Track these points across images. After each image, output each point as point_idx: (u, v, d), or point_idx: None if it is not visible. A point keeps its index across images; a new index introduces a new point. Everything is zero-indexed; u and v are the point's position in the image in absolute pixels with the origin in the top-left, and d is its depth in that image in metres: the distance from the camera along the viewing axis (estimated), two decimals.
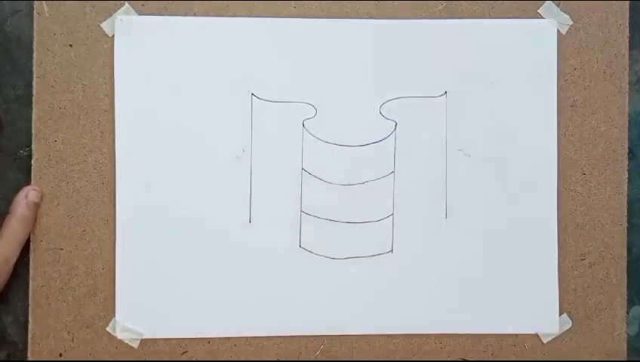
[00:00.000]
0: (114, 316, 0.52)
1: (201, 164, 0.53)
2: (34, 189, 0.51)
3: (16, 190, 0.52)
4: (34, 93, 0.52)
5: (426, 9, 0.54)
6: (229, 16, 0.53)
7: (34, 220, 0.51)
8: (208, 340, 0.53)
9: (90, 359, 0.52)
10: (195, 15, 0.53)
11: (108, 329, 0.52)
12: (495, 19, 0.54)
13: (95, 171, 0.52)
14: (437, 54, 0.54)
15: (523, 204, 0.54)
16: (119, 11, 0.52)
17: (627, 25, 0.55)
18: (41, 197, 0.51)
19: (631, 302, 0.55)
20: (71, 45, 0.52)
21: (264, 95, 0.53)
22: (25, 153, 0.52)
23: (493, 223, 0.54)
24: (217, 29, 0.53)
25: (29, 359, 0.52)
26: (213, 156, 0.53)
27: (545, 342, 0.54)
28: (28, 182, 0.52)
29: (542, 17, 0.54)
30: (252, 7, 0.53)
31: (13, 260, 0.50)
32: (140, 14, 0.52)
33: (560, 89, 0.54)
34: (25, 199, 0.51)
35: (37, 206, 0.51)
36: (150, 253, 0.53)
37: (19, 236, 0.50)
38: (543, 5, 0.54)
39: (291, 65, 0.54)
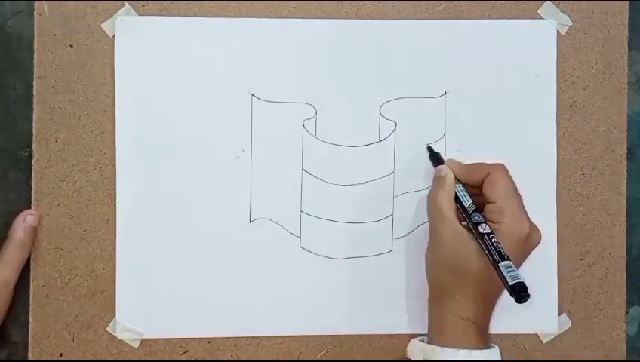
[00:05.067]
0: (114, 316, 0.52)
1: (201, 165, 0.53)
2: (32, 214, 0.51)
3: (17, 190, 0.52)
4: (34, 93, 0.52)
5: (426, 9, 0.54)
6: (229, 16, 0.53)
7: (32, 244, 0.51)
8: (208, 340, 0.53)
9: (90, 359, 0.52)
10: (195, 15, 0.53)
11: (108, 329, 0.52)
12: (495, 20, 0.54)
13: (95, 171, 0.52)
14: (437, 54, 0.54)
15: None
16: (119, 12, 0.52)
17: (626, 25, 0.55)
18: (39, 220, 0.51)
19: (630, 302, 0.55)
20: (71, 46, 0.52)
21: (264, 95, 0.53)
22: (25, 153, 0.52)
23: None
24: (217, 29, 0.53)
25: (30, 359, 0.52)
26: (214, 156, 0.53)
27: (544, 341, 0.55)
28: (26, 206, 0.52)
29: (541, 18, 0.54)
30: (252, 8, 0.53)
31: (13, 284, 0.50)
32: (140, 15, 0.52)
33: (559, 89, 0.54)
34: (23, 223, 0.51)
35: (35, 230, 0.51)
36: (151, 253, 0.53)
37: (17, 261, 0.50)
38: (543, 6, 0.54)
39: (291, 65, 0.54)
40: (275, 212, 0.54)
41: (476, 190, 0.50)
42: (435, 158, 0.53)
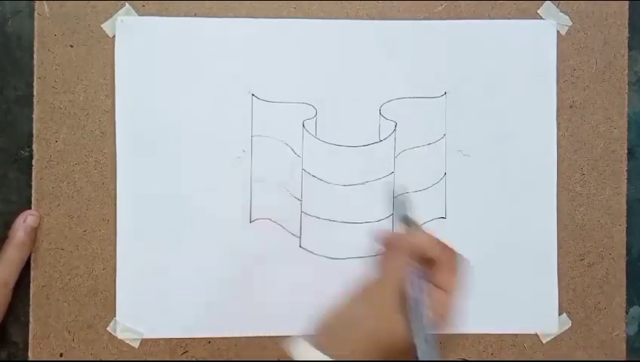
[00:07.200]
0: (114, 316, 0.52)
1: (201, 165, 0.53)
2: (32, 214, 0.51)
3: (17, 190, 0.52)
4: (35, 93, 0.52)
5: (426, 9, 0.54)
6: (229, 16, 0.53)
7: (32, 245, 0.51)
8: (208, 340, 0.53)
9: (90, 359, 0.52)
10: (195, 16, 0.53)
11: (108, 329, 0.52)
12: (495, 20, 0.54)
13: (96, 171, 0.52)
14: (437, 54, 0.54)
15: (523, 204, 0.54)
16: (120, 12, 0.52)
17: (626, 26, 0.55)
18: (40, 221, 0.52)
19: (630, 302, 0.55)
20: (72, 46, 0.52)
21: (264, 95, 0.53)
22: (26, 153, 0.53)
23: (493, 223, 0.54)
24: (217, 30, 0.53)
25: (30, 359, 0.52)
26: (214, 156, 0.53)
27: (544, 341, 0.55)
28: (26, 206, 0.52)
29: (541, 18, 0.54)
30: (252, 8, 0.53)
31: (12, 284, 0.50)
32: (140, 15, 0.53)
33: (559, 89, 0.54)
34: (23, 223, 0.51)
35: (35, 231, 0.51)
36: (151, 253, 0.53)
37: (17, 261, 0.50)
38: (543, 6, 0.54)
39: (291, 65, 0.54)
40: (275, 212, 0.54)
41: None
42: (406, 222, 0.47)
